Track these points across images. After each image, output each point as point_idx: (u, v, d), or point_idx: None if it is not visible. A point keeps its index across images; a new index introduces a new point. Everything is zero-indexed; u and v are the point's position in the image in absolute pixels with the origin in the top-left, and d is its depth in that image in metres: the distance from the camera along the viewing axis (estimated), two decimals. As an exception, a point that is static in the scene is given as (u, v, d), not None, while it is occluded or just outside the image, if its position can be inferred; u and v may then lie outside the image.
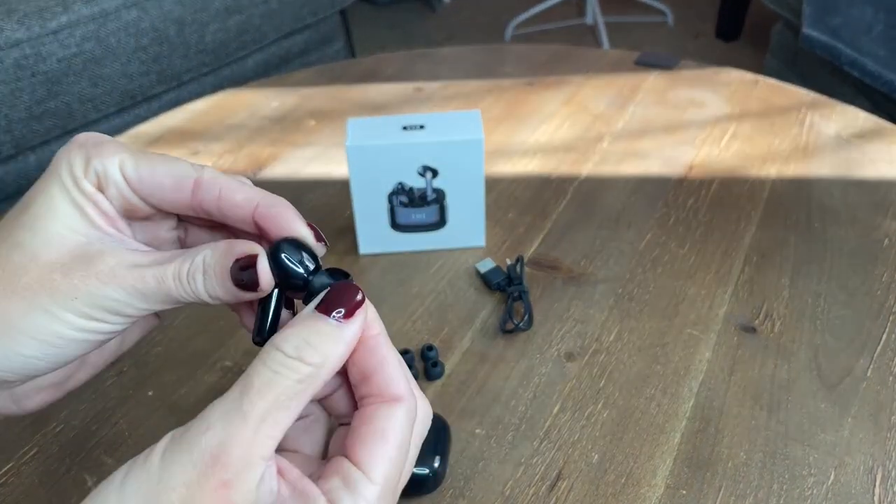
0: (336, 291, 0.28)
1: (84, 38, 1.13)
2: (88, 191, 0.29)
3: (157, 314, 0.34)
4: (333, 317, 0.27)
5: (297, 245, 0.29)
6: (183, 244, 0.33)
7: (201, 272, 0.28)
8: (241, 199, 0.29)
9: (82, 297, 0.27)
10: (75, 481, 0.46)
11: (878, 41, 1.25)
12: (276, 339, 0.26)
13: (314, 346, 0.26)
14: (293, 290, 0.29)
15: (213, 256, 0.28)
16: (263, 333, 0.29)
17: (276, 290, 0.29)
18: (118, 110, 1.24)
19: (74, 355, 0.29)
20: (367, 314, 0.29)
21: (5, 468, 0.47)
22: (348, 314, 0.27)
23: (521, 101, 0.86)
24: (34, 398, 0.32)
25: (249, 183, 0.30)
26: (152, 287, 0.28)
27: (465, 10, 2.77)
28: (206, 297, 0.28)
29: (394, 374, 0.29)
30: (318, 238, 0.30)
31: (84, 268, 0.28)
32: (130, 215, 0.31)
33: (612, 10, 2.61)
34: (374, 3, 2.81)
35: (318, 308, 0.27)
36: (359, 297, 0.28)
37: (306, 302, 0.29)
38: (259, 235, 0.30)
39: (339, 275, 0.29)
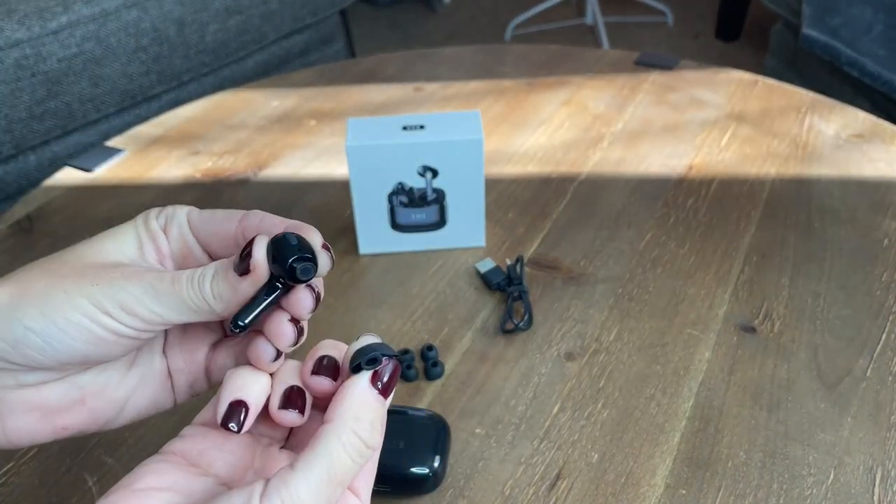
0: (389, 369, 0.29)
1: (84, 38, 1.13)
2: (153, 228, 0.32)
3: (173, 390, 0.34)
4: (376, 387, 0.29)
5: (297, 239, 0.30)
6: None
7: (212, 272, 0.30)
8: (279, 221, 0.31)
9: (102, 285, 0.29)
10: (75, 481, 0.46)
11: (878, 41, 1.25)
12: (356, 425, 0.28)
13: (379, 432, 0.29)
14: (287, 278, 0.30)
15: (223, 262, 0.30)
16: (242, 319, 0.30)
17: (271, 288, 0.30)
18: (118, 110, 1.24)
19: (73, 353, 0.29)
20: None
21: (5, 468, 0.47)
22: (386, 392, 0.29)
23: (520, 101, 0.86)
24: (20, 420, 0.30)
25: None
26: (166, 285, 0.29)
27: (465, 10, 2.77)
28: (210, 298, 0.29)
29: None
30: (325, 247, 0.31)
31: (115, 268, 0.30)
32: (184, 260, 0.33)
33: (611, 10, 2.61)
34: (374, 3, 2.81)
35: (373, 380, 0.29)
36: (398, 373, 0.30)
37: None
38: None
39: (383, 349, 0.30)
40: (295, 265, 0.29)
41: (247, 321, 0.29)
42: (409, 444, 0.45)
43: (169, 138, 0.82)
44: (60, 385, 0.31)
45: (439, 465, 0.44)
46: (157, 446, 0.30)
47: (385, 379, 0.29)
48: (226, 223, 0.32)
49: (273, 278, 0.30)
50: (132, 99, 1.24)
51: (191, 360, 0.34)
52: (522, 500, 0.44)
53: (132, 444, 0.48)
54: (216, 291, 0.29)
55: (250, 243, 0.29)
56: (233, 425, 0.30)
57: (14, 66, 1.07)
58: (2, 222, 0.70)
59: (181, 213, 0.33)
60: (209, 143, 0.81)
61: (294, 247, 0.29)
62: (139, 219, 0.33)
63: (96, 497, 0.45)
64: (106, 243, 0.31)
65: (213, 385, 0.35)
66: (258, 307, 0.30)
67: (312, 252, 0.30)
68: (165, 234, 0.33)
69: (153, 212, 0.33)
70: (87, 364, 0.31)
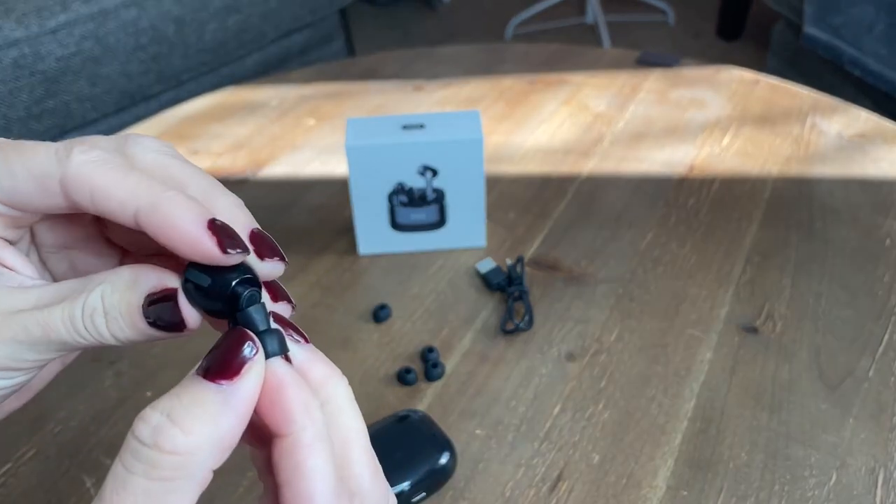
0: (219, 347, 0.22)
1: (83, 37, 1.13)
2: None
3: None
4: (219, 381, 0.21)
5: (208, 274, 0.23)
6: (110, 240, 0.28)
7: (101, 314, 0.23)
8: (117, 203, 0.22)
9: None
10: (74, 482, 0.46)
11: (880, 40, 1.25)
12: (137, 418, 0.21)
13: (180, 425, 0.20)
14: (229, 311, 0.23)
15: (113, 292, 0.23)
16: None
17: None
18: (117, 110, 1.24)
19: None
20: (293, 392, 0.22)
21: (3, 469, 0.47)
22: (232, 373, 0.21)
23: (521, 100, 0.85)
24: None
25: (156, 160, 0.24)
26: (38, 336, 0.23)
27: (465, 10, 2.77)
28: (112, 342, 0.23)
29: (305, 492, 0.22)
30: (226, 244, 0.22)
31: None
32: (21, 223, 0.25)
33: (612, 9, 2.61)
34: (374, 2, 2.81)
35: (200, 370, 0.21)
36: (247, 350, 0.21)
37: None
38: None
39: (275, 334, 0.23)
40: (240, 293, 0.22)
41: None
42: (416, 442, 0.45)
43: (167, 137, 0.82)
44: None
45: (450, 449, 0.45)
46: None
47: (212, 357, 0.21)
48: (47, 198, 0.23)
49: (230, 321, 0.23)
50: (131, 98, 1.23)
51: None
52: (523, 501, 0.44)
53: (130, 446, 0.48)
54: (122, 336, 0.23)
55: (164, 293, 0.22)
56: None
57: (12, 66, 1.07)
58: (0, 222, 0.70)
59: None
60: (208, 142, 0.80)
61: (210, 289, 0.22)
62: None
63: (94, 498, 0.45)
64: None
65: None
66: None
67: (242, 275, 0.23)
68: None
69: None
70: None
